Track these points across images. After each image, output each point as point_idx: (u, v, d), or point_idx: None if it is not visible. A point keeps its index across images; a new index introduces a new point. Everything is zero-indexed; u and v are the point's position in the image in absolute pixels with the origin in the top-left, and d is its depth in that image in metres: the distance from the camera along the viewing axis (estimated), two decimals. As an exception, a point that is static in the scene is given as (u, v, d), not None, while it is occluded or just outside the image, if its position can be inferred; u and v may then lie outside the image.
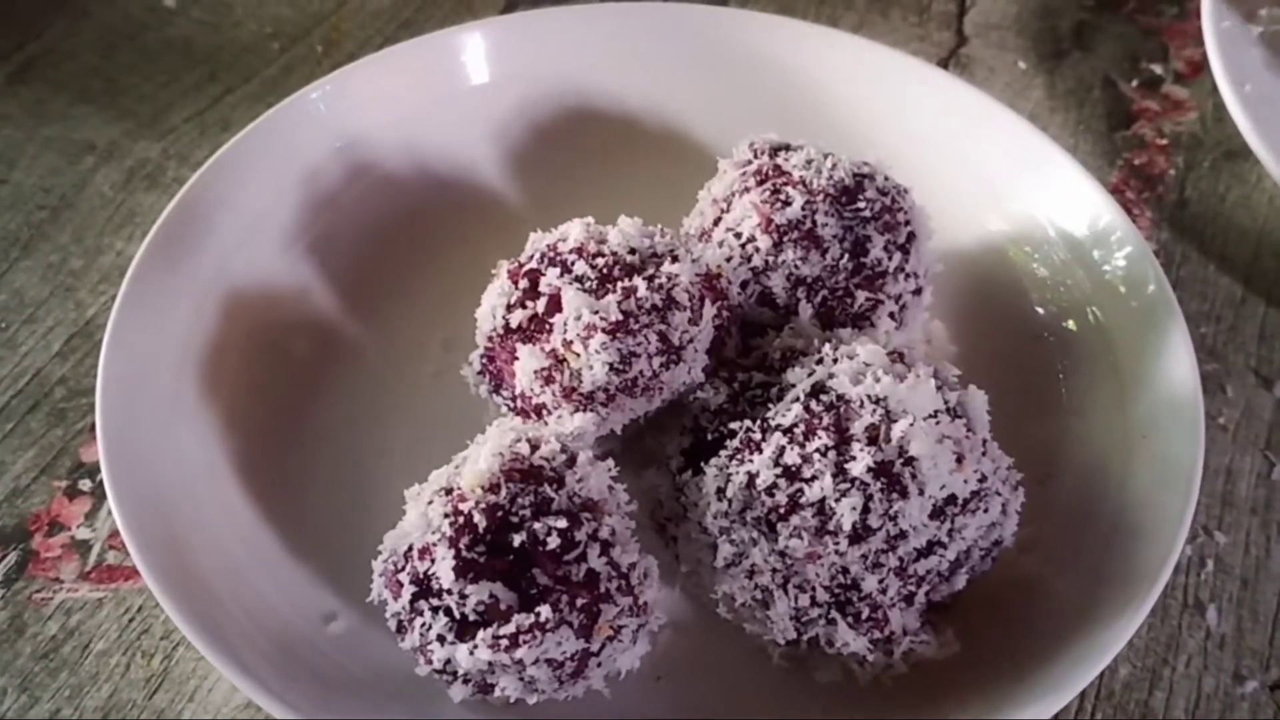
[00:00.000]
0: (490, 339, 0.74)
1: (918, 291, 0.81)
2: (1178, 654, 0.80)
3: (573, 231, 0.73)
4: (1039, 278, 0.91)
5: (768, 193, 0.78)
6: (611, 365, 0.69)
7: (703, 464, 0.71)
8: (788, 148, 0.81)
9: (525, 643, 0.61)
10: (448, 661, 0.63)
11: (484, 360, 0.77)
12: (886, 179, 0.80)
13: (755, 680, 0.73)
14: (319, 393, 0.86)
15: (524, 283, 0.72)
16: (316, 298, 0.90)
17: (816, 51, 0.99)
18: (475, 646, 0.61)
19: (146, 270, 0.81)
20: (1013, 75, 1.20)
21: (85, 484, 0.85)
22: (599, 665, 0.65)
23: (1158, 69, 1.21)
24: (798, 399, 0.69)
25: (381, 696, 0.69)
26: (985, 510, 0.68)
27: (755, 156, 0.81)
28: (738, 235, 0.78)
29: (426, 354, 0.88)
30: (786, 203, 0.77)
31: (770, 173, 0.79)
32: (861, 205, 0.77)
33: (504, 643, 0.61)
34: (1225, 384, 0.95)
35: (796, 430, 0.67)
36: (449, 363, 0.86)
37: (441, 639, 0.62)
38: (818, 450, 0.66)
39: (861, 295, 0.77)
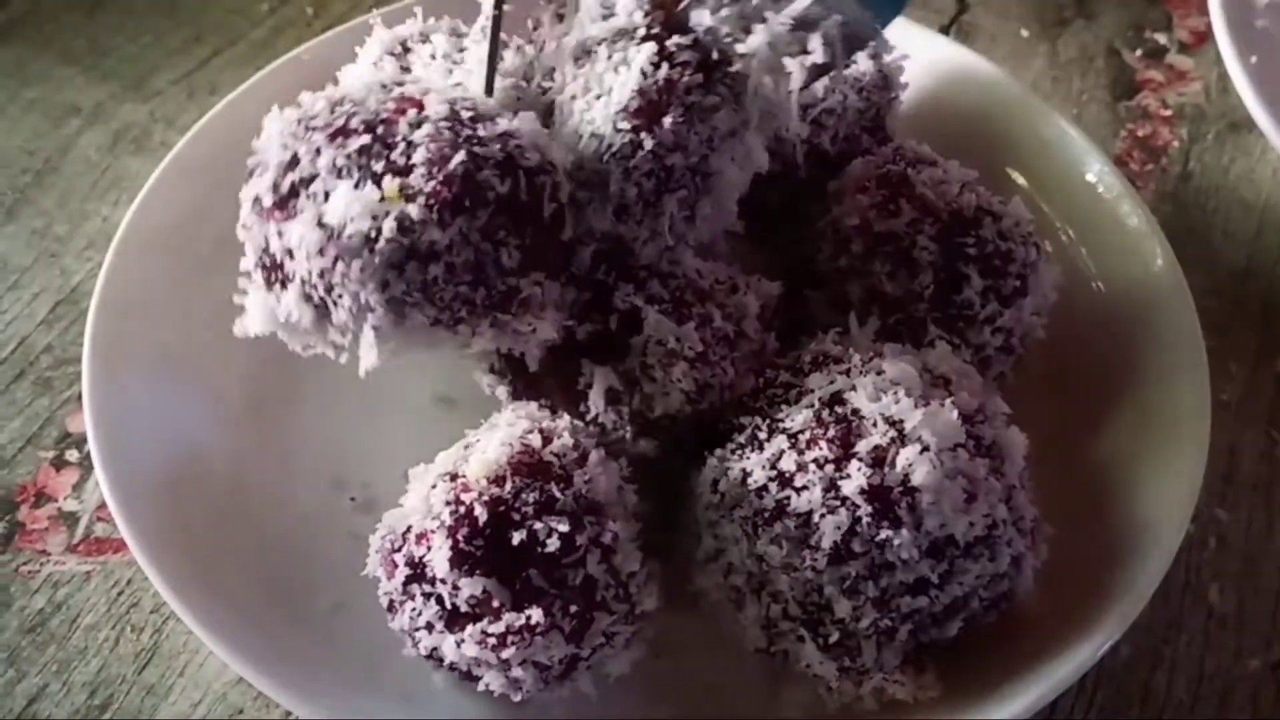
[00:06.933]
0: None
1: (1006, 350, 0.76)
2: (1179, 633, 0.79)
3: None
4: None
5: (881, 197, 0.75)
6: (688, 395, 0.68)
7: (706, 453, 0.69)
8: (933, 163, 0.77)
9: (513, 643, 0.60)
10: (434, 649, 0.63)
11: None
12: (1017, 225, 0.75)
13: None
14: (314, 361, 0.83)
15: (587, 291, 0.69)
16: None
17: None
18: (463, 640, 0.61)
19: (133, 238, 0.80)
20: (1015, 43, 1.18)
21: (73, 454, 0.83)
22: (588, 668, 0.64)
23: (1161, 38, 1.20)
24: (812, 405, 0.66)
25: (372, 674, 0.68)
26: (991, 559, 0.64)
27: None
28: (836, 230, 0.76)
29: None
30: (894, 214, 0.73)
31: (895, 179, 0.75)
32: (970, 241, 0.73)
33: (491, 640, 0.60)
34: (1228, 360, 0.94)
35: (801, 437, 0.65)
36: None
37: (430, 626, 0.62)
38: (815, 461, 0.63)
39: (935, 332, 0.73)
